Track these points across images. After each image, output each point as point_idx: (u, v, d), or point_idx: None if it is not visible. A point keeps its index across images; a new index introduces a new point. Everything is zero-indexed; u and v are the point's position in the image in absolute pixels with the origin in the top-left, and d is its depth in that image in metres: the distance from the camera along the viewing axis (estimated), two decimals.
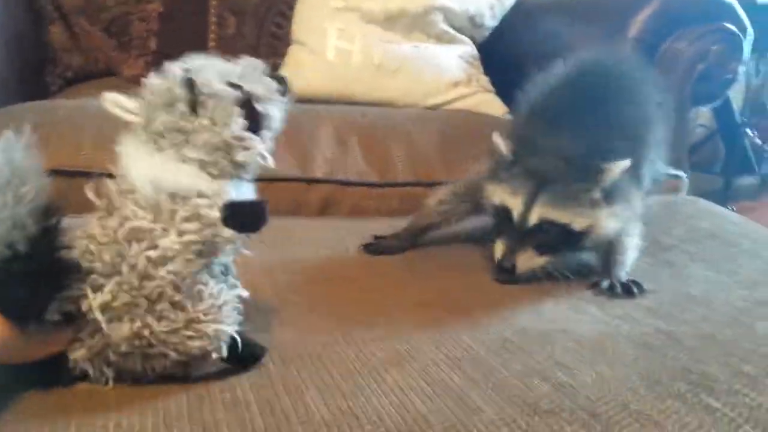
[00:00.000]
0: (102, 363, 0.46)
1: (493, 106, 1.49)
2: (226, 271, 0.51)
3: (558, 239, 0.71)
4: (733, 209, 3.26)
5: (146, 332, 0.44)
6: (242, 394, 0.46)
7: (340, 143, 1.10)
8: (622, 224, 0.74)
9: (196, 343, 0.46)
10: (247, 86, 0.48)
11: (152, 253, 0.44)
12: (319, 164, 1.06)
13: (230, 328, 0.47)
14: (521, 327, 0.60)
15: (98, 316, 0.44)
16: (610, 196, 0.72)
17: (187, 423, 0.43)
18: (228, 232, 0.46)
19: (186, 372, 0.48)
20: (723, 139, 3.30)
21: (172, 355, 0.46)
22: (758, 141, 3.56)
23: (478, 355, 0.54)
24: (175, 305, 0.45)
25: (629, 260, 0.76)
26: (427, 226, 0.87)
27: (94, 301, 0.44)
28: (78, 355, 0.46)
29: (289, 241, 0.82)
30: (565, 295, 0.70)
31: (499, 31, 1.64)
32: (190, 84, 0.46)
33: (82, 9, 1.48)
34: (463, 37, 1.53)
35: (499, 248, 0.72)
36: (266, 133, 0.50)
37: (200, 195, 0.46)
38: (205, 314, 0.46)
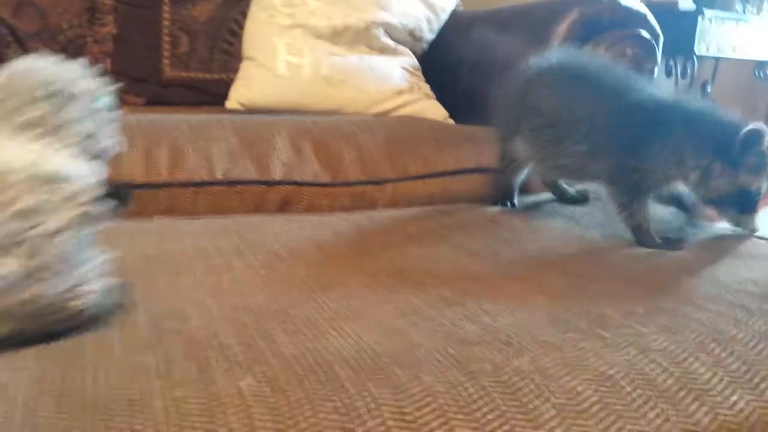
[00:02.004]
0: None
1: (435, 111, 1.62)
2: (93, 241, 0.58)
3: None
4: None
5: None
6: (225, 338, 0.56)
7: (295, 149, 1.20)
8: None
9: (77, 302, 0.54)
10: (88, 83, 0.58)
11: (40, 230, 0.51)
12: (277, 168, 1.16)
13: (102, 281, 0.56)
14: (459, 288, 0.71)
15: None
16: None
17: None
18: (103, 208, 0.55)
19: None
20: None
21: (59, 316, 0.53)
22: None
23: (420, 308, 0.65)
24: (58, 274, 0.52)
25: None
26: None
27: None
28: None
29: (256, 231, 0.91)
30: (506, 263, 0.82)
31: (437, 43, 1.77)
32: (51, 83, 0.56)
33: (37, 33, 1.55)
34: (404, 49, 1.65)
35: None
36: (109, 121, 0.60)
37: (75, 177, 0.54)
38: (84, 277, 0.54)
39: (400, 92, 1.56)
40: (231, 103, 1.48)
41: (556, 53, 1.16)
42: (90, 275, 0.54)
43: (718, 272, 0.79)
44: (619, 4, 1.44)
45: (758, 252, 0.87)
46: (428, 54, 1.78)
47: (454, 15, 1.80)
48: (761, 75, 3.67)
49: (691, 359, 0.57)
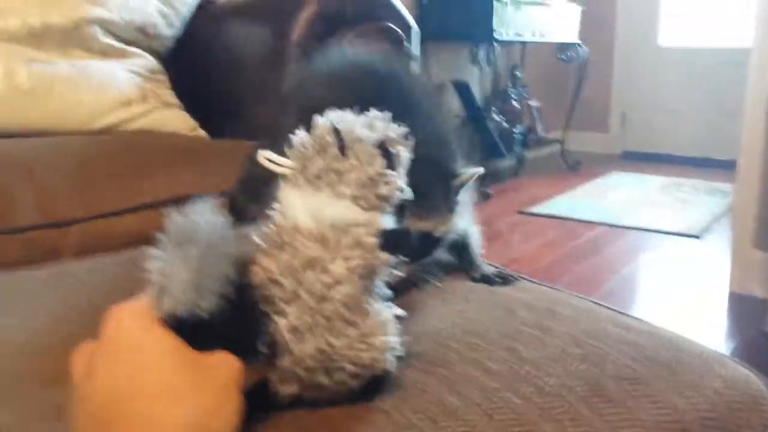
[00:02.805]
0: (291, 380, 0.50)
1: (177, 121, 1.40)
2: (382, 292, 0.55)
3: (421, 247, 0.72)
4: (489, 193, 3.49)
5: (327, 348, 0.50)
6: None
7: None
8: (466, 224, 0.76)
9: (368, 354, 0.51)
10: (380, 131, 0.55)
11: (325, 278, 0.50)
12: None
13: (394, 339, 0.52)
14: None
15: (287, 336, 0.49)
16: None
17: None
18: (385, 256, 0.52)
19: (363, 383, 0.52)
20: (472, 126, 3.51)
21: (349, 367, 0.50)
22: (505, 125, 3.85)
23: None
24: (348, 322, 0.50)
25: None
26: None
27: (282, 324, 0.49)
28: (274, 377, 0.50)
29: None
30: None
31: (186, 39, 1.56)
32: (337, 131, 0.53)
33: None
34: (135, 50, 1.42)
35: None
36: (400, 170, 0.56)
37: (357, 225, 0.52)
38: (373, 329, 0.51)
39: (127, 102, 1.33)
40: None
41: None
42: (381, 327, 0.52)
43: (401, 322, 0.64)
44: None
45: (462, 284, 0.73)
46: (175, 52, 1.55)
47: (204, 7, 1.59)
48: (563, 57, 3.77)
49: None
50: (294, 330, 0.50)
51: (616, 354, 0.55)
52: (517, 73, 3.79)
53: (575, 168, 4.08)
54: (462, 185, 0.72)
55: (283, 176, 0.56)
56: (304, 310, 0.50)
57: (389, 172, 0.55)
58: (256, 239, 0.53)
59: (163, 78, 1.47)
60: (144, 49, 1.44)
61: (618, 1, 4.27)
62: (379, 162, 0.55)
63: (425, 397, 0.51)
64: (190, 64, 1.57)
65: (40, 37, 1.28)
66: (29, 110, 1.24)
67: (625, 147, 4.51)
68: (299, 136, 0.56)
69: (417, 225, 0.69)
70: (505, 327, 0.61)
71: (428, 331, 0.62)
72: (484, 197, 3.27)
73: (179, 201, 1.08)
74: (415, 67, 1.42)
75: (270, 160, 0.56)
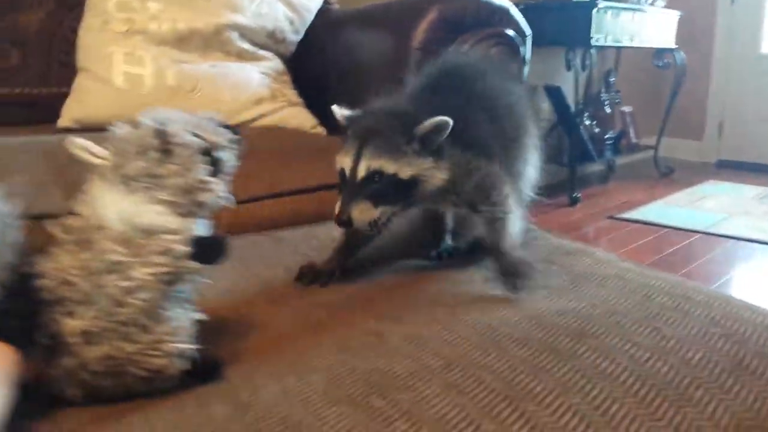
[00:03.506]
0: (75, 382, 0.51)
1: (300, 118, 1.51)
2: (184, 297, 0.56)
3: (390, 190, 0.74)
4: (578, 196, 3.48)
5: (117, 353, 0.50)
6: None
7: None
8: (451, 179, 0.77)
9: (160, 361, 0.51)
10: (207, 136, 0.55)
11: (126, 283, 0.50)
12: None
13: (187, 346, 0.53)
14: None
15: (75, 339, 0.49)
16: (436, 153, 0.76)
17: None
18: (194, 265, 0.53)
19: (150, 387, 0.53)
20: (563, 131, 3.51)
21: (139, 372, 0.51)
22: (597, 130, 3.82)
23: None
24: (143, 329, 0.51)
25: (513, 231, 0.80)
26: (357, 240, 0.85)
27: (72, 326, 0.49)
28: (54, 374, 0.51)
29: None
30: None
31: (306, 45, 1.67)
32: (162, 134, 0.52)
33: None
34: (265, 53, 1.54)
35: (336, 205, 0.75)
36: (224, 177, 0.56)
37: (169, 231, 0.52)
38: (167, 335, 0.52)
39: (259, 101, 1.45)
40: (63, 121, 1.33)
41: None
42: (175, 333, 0.52)
43: (541, 302, 0.70)
44: (481, 1, 1.36)
45: (594, 272, 0.79)
46: (299, 57, 1.67)
47: (323, 14, 1.69)
48: (659, 63, 3.72)
49: (469, 430, 0.49)
50: (85, 333, 0.50)
51: (756, 335, 0.60)
52: (611, 78, 3.76)
53: (667, 175, 4.00)
54: (428, 132, 0.74)
55: (97, 169, 0.54)
56: (99, 314, 0.50)
57: (211, 179, 0.54)
58: (56, 231, 0.53)
59: (288, 79, 1.58)
60: (272, 53, 1.56)
61: (718, 8, 4.16)
62: (201, 169, 0.54)
63: (579, 361, 0.57)
64: (310, 66, 1.67)
65: (185, 41, 1.41)
66: (175, 106, 1.36)
67: (720, 155, 4.38)
68: (121, 130, 0.54)
69: (371, 163, 0.73)
70: (644, 310, 0.66)
71: (566, 310, 0.68)
72: (572, 201, 3.27)
73: (313, 190, 1.19)
74: (521, 69, 1.47)
75: (84, 149, 0.54)
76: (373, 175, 0.73)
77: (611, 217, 3.28)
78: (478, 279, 0.79)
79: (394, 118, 0.76)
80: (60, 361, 0.51)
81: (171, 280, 0.52)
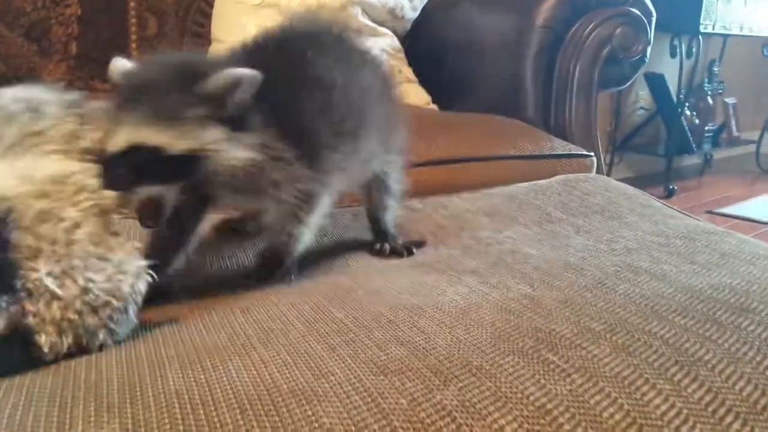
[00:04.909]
0: (65, 330, 0.52)
1: (417, 95, 1.53)
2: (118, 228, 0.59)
3: (157, 168, 0.57)
4: (674, 188, 3.38)
5: (90, 285, 0.52)
6: (106, 372, 0.49)
7: None
8: (252, 156, 0.61)
9: (127, 282, 0.54)
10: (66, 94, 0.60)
11: (63, 225, 0.53)
12: None
13: (146, 261, 0.56)
14: (396, 303, 0.64)
15: (50, 284, 0.50)
16: (237, 122, 0.60)
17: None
18: (109, 193, 0.56)
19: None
20: (663, 120, 3.41)
21: (114, 302, 0.52)
22: (696, 121, 3.68)
23: (346, 328, 0.58)
24: (101, 258, 0.53)
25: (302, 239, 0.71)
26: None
27: (35, 275, 0.50)
28: (37, 325, 0.51)
29: None
30: (447, 270, 0.74)
31: (420, 23, 1.69)
32: (22, 99, 0.58)
33: (0, 15, 1.48)
34: (384, 29, 1.57)
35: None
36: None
37: (74, 173, 0.55)
38: (124, 258, 0.54)
39: None
40: None
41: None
42: (132, 255, 0.55)
43: (693, 277, 0.71)
44: None
45: (742, 250, 0.79)
46: (412, 34, 1.69)
47: None
48: None
49: (646, 387, 0.50)
50: (51, 275, 0.51)
51: None
52: (714, 68, 3.62)
53: None
54: (219, 91, 0.57)
55: None
56: (53, 260, 0.51)
57: (86, 127, 0.59)
58: None
59: (403, 57, 1.61)
60: (390, 30, 1.59)
61: None
62: (74, 119, 0.58)
63: (744, 333, 0.58)
64: (424, 44, 1.69)
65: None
66: None
67: None
68: None
69: (132, 134, 0.56)
70: None
71: (720, 285, 0.68)
72: (668, 193, 3.18)
73: (463, 161, 1.20)
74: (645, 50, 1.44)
75: None
76: (135, 149, 0.56)
77: (710, 212, 3.17)
78: (621, 250, 0.80)
79: (175, 73, 0.59)
80: (39, 312, 0.50)
81: (100, 212, 0.55)
